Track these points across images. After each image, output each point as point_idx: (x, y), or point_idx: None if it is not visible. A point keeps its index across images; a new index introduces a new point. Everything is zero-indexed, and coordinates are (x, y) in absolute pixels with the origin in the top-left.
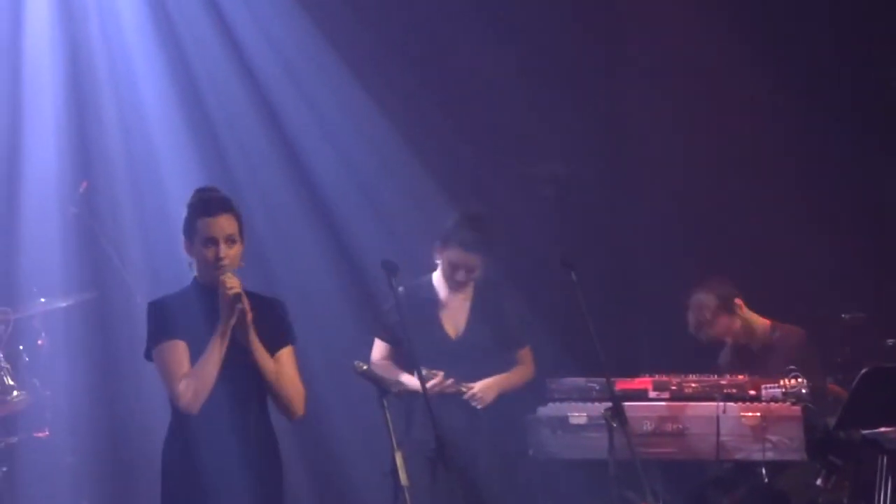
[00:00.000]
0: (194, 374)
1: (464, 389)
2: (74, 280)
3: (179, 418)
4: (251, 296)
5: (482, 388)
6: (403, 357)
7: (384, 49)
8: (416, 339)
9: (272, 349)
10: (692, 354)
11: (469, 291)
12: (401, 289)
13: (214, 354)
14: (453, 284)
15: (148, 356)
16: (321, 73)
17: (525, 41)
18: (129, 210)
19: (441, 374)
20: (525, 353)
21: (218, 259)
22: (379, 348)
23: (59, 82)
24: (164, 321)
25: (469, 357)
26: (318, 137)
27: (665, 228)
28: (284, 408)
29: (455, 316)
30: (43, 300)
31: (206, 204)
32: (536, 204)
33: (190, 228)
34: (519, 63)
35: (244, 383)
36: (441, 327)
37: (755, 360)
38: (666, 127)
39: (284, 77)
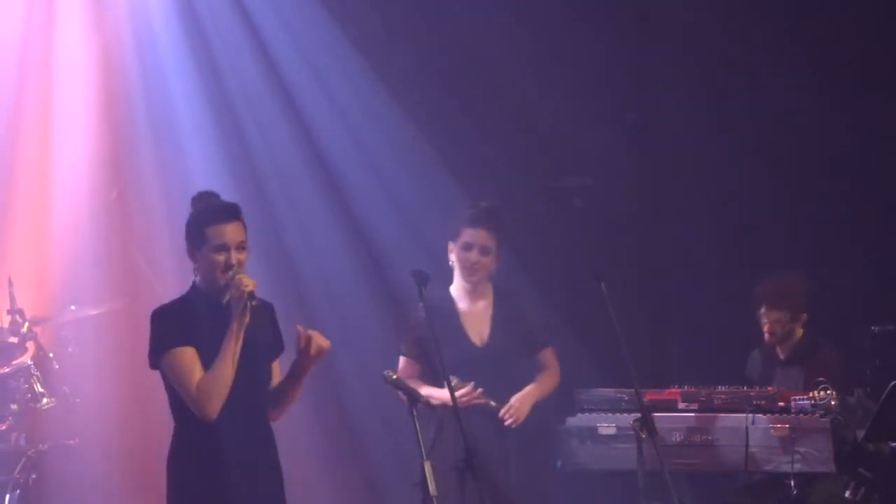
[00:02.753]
0: (211, 378)
1: (493, 404)
2: (104, 288)
3: (191, 426)
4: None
5: (519, 401)
6: (430, 371)
7: (414, 59)
8: (442, 349)
9: (274, 354)
10: (721, 366)
11: (489, 299)
12: (420, 305)
13: (229, 355)
14: (466, 271)
15: (155, 364)
16: (350, 82)
17: (555, 52)
18: (160, 219)
19: (471, 384)
20: (548, 355)
21: (230, 266)
22: (405, 366)
23: (90, 92)
24: (171, 328)
25: (495, 364)
26: (347, 145)
27: (695, 239)
28: (278, 411)
29: (478, 324)
30: (73, 308)
31: (218, 211)
32: (566, 215)
33: (198, 235)
34: (549, 73)
35: (251, 386)
36: (466, 336)
37: (784, 368)
38: (696, 137)
39: (317, 90)
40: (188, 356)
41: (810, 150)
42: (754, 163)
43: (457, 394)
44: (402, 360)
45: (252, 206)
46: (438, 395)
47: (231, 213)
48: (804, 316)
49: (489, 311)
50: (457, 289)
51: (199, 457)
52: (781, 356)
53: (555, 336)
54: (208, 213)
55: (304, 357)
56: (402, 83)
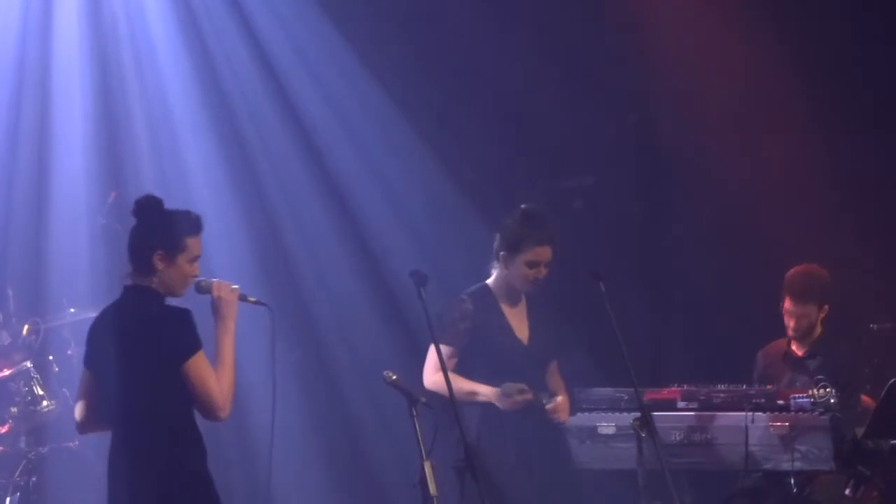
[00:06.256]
0: (233, 377)
1: (543, 400)
2: (103, 290)
3: (197, 427)
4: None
5: (565, 403)
6: (461, 365)
7: (414, 61)
8: (489, 345)
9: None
10: (721, 364)
11: (522, 299)
12: (464, 296)
13: (233, 355)
14: (529, 285)
15: (177, 365)
16: (349, 83)
17: (554, 52)
18: None
19: (525, 386)
20: (554, 367)
21: (196, 276)
22: (437, 355)
23: (87, 93)
24: (194, 329)
25: (538, 363)
26: (346, 148)
27: (695, 239)
28: None
29: (520, 323)
30: (72, 310)
31: (196, 222)
32: (566, 215)
33: (177, 243)
34: (548, 74)
35: None
36: (513, 333)
37: (801, 365)
38: (696, 137)
39: (315, 91)
40: (207, 360)
41: (810, 149)
42: (754, 162)
43: (518, 398)
44: (444, 349)
45: (249, 208)
46: (485, 391)
47: (202, 224)
48: (826, 308)
49: (525, 311)
50: (497, 287)
51: (204, 454)
52: (799, 353)
53: (565, 350)
54: (189, 222)
55: None
56: (402, 84)
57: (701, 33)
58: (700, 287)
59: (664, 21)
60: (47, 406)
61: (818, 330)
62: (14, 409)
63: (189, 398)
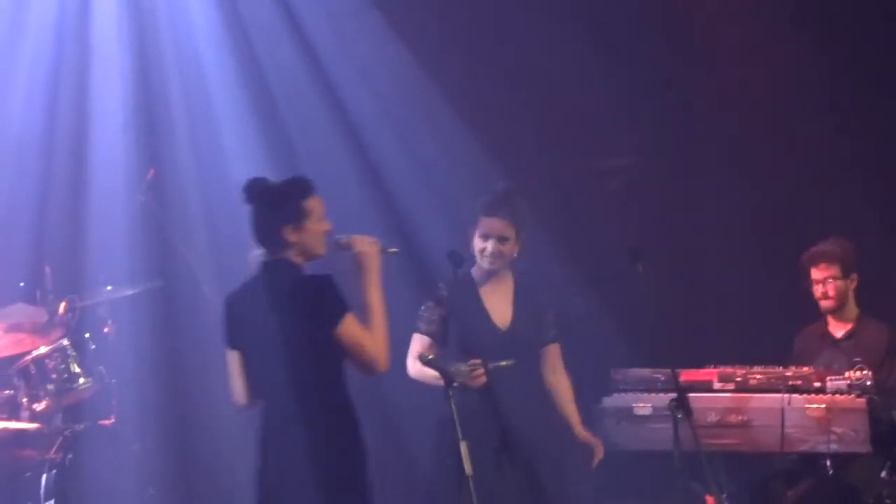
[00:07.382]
0: (383, 332)
1: (502, 363)
2: (141, 268)
3: (351, 396)
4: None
5: (588, 435)
6: (449, 353)
7: (452, 43)
8: (465, 331)
9: None
10: (758, 346)
11: (510, 285)
12: (441, 285)
13: (383, 307)
14: (485, 260)
15: (332, 329)
16: (386, 63)
17: (592, 32)
18: (196, 199)
19: (476, 363)
20: (554, 351)
21: (328, 230)
22: (419, 344)
23: (126, 71)
24: (342, 292)
25: (519, 350)
26: (384, 128)
27: (732, 220)
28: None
29: (500, 308)
30: (109, 288)
31: (306, 183)
32: (604, 196)
33: (300, 212)
34: (587, 55)
35: None
36: (490, 319)
37: (837, 348)
38: (734, 118)
39: (353, 70)
40: (356, 318)
41: (848, 130)
42: (793, 144)
43: (474, 378)
44: (417, 337)
45: None
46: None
47: None
48: (855, 276)
49: (510, 297)
50: (478, 272)
51: (359, 428)
52: (836, 335)
53: (562, 331)
54: (302, 186)
55: None
56: (440, 63)
57: (741, 14)
58: (737, 268)
59: (704, 2)
60: (84, 384)
61: (854, 310)
62: (50, 387)
63: (341, 365)
